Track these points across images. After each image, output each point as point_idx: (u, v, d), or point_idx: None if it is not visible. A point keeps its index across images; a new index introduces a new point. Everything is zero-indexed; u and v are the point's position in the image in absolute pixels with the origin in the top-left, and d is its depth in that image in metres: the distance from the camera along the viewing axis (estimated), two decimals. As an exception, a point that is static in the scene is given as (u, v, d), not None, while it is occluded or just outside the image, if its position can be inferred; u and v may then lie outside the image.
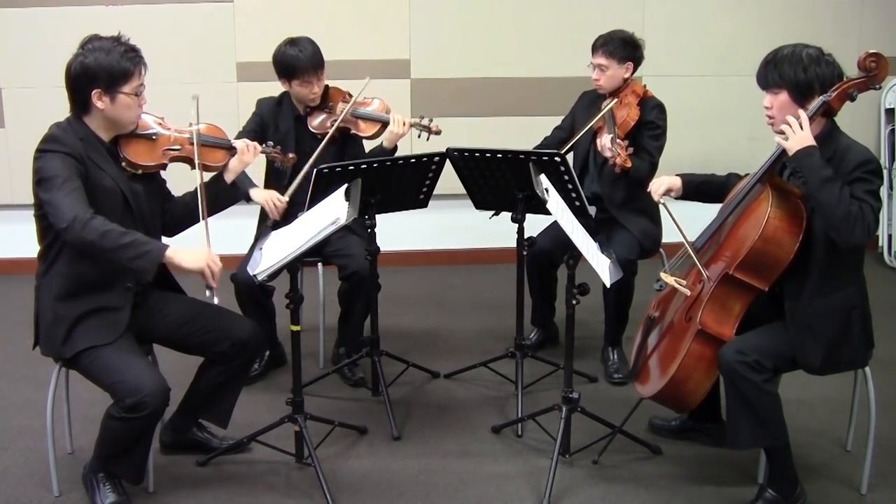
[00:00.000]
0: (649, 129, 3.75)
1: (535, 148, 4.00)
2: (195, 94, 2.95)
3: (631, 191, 3.78)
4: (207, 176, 2.98)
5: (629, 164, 3.53)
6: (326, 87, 3.77)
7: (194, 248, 2.64)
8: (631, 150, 3.58)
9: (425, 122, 3.70)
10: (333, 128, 3.67)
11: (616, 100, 3.75)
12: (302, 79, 3.67)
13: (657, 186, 3.08)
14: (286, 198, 3.57)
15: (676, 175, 3.11)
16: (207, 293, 2.67)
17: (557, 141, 4.02)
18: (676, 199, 3.11)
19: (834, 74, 2.65)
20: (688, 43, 5.44)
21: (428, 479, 3.04)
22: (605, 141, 3.57)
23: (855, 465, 3.04)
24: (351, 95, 3.79)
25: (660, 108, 3.80)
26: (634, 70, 3.82)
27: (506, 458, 3.18)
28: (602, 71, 3.79)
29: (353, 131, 3.77)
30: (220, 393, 3.00)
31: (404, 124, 3.67)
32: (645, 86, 3.82)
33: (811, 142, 2.58)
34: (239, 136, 3.67)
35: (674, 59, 5.44)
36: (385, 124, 3.73)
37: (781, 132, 2.64)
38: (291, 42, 3.69)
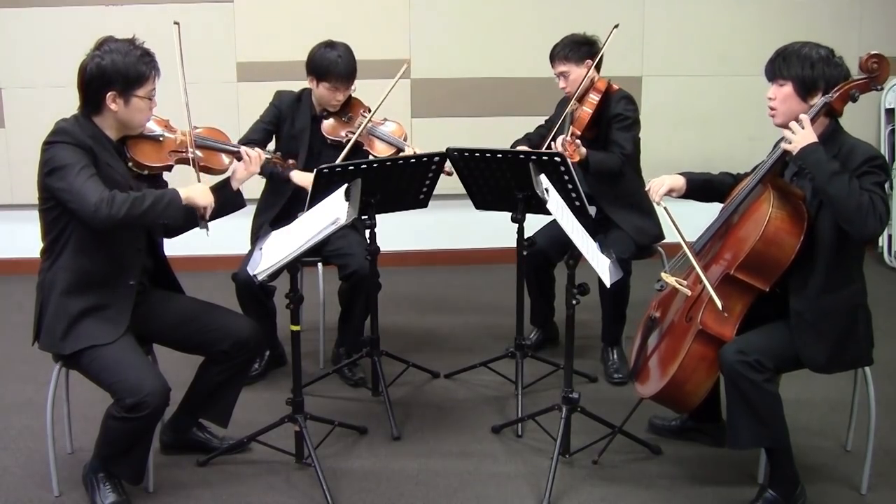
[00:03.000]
0: (618, 122, 3.75)
1: (514, 142, 4.01)
2: (176, 21, 2.97)
3: (613, 184, 3.77)
4: (212, 179, 2.98)
5: (576, 158, 3.51)
6: (349, 96, 3.78)
7: (195, 186, 2.79)
8: (578, 142, 3.55)
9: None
10: (350, 142, 3.67)
11: (576, 102, 3.74)
12: (332, 84, 3.67)
13: (657, 186, 2.98)
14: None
15: (678, 174, 3.03)
16: (203, 227, 2.81)
17: (539, 137, 4.02)
18: (678, 198, 3.03)
19: (841, 76, 2.66)
20: (688, 43, 5.44)
21: (428, 479, 3.04)
22: (558, 143, 3.57)
23: (855, 465, 3.04)
24: (369, 110, 3.79)
25: (627, 100, 3.79)
26: (594, 65, 3.80)
27: (506, 458, 3.18)
28: (565, 78, 3.80)
29: (365, 147, 3.77)
30: (221, 392, 3.00)
31: None
32: (609, 80, 3.79)
33: (814, 139, 2.59)
34: (254, 126, 3.74)
35: (674, 59, 5.44)
36: (399, 150, 3.74)
37: (784, 126, 2.64)
38: (330, 45, 3.70)
